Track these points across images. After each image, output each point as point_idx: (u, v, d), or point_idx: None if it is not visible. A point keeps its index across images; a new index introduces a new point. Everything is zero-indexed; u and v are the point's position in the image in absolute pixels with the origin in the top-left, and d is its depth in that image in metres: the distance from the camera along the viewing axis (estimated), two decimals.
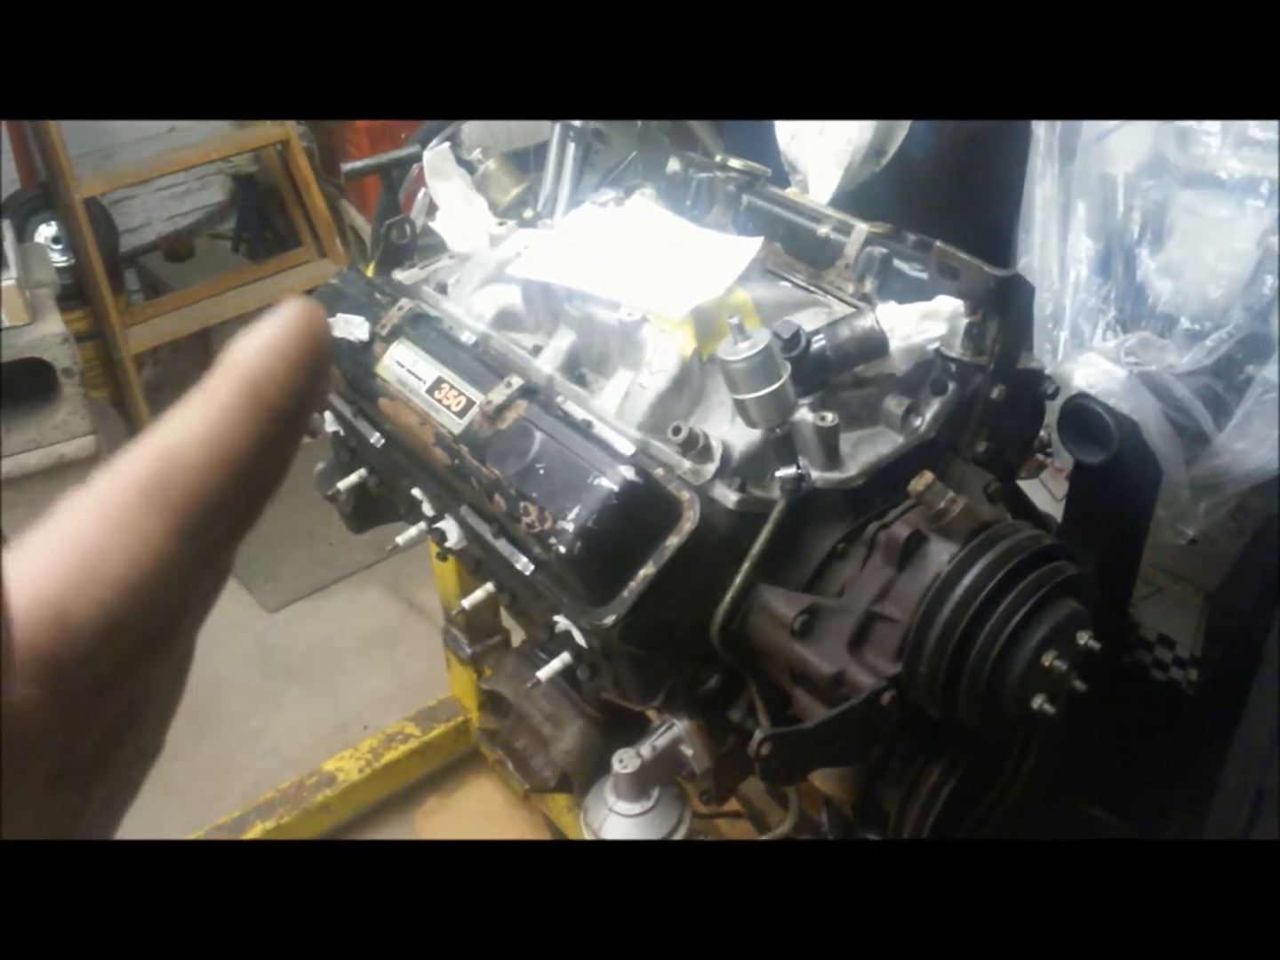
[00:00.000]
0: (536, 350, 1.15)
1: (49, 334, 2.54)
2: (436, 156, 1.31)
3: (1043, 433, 1.25)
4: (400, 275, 1.31)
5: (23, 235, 3.27)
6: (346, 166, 1.39)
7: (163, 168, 3.43)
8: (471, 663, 2.03)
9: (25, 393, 2.57)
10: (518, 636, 1.36)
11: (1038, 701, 0.93)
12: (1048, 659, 0.92)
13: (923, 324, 1.01)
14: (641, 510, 0.95)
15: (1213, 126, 1.13)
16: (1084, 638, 0.94)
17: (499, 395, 1.04)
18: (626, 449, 1.01)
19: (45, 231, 3.46)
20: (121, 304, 3.42)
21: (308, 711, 2.47)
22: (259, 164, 3.93)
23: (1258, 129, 1.08)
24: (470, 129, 3.34)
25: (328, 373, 0.28)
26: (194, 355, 3.83)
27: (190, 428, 0.26)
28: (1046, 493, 1.61)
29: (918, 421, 1.06)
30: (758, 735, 0.90)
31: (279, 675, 2.55)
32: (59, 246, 3.42)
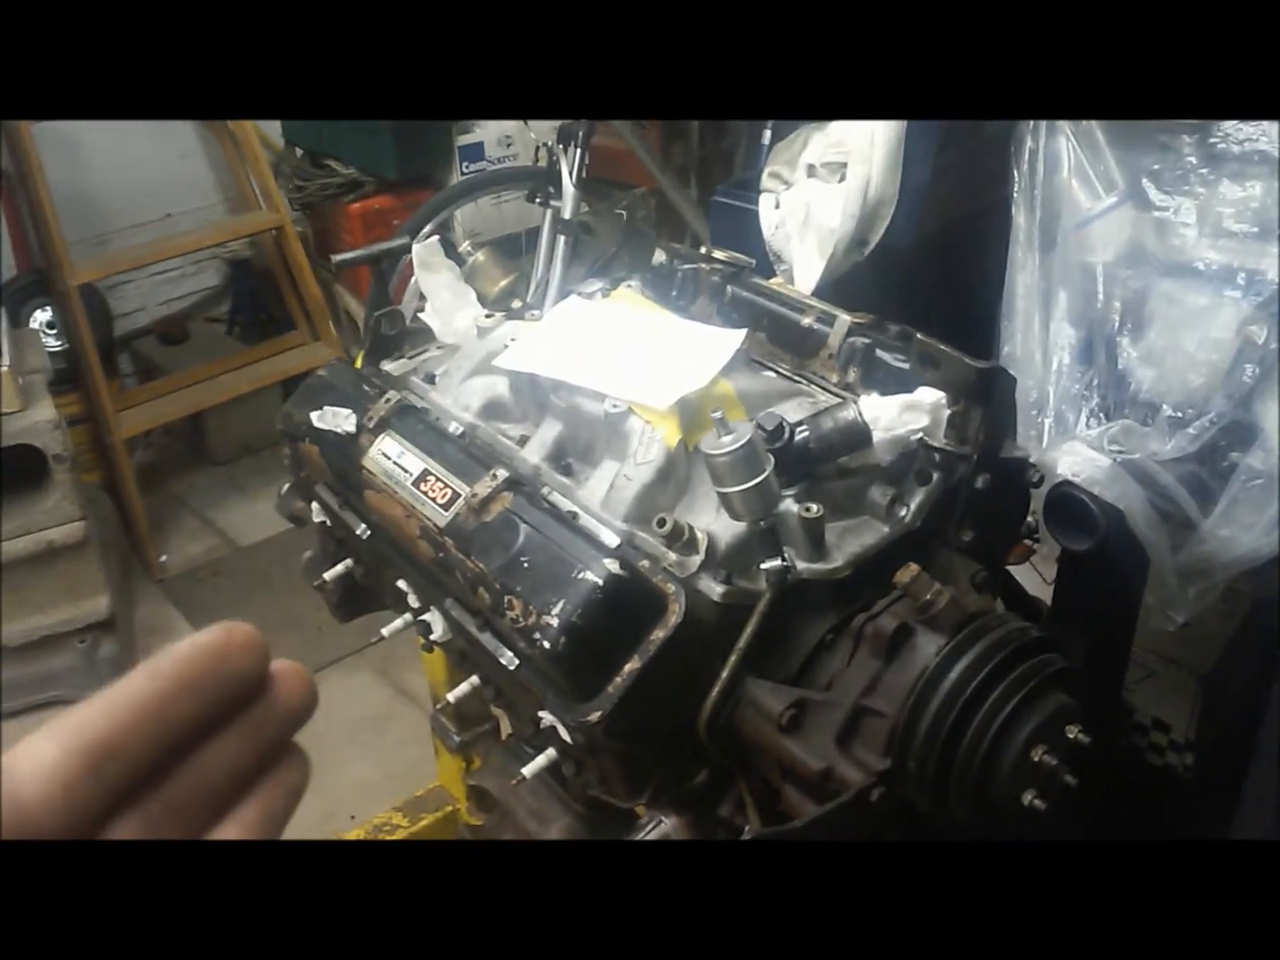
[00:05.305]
0: (523, 440, 1.16)
1: (41, 420, 2.55)
2: (425, 249, 1.33)
3: (1030, 518, 1.25)
4: (389, 366, 1.32)
5: (17, 320, 3.30)
6: (337, 258, 1.40)
7: (158, 254, 3.47)
8: (460, 751, 1.99)
9: (15, 478, 2.57)
10: (507, 724, 1.35)
11: (1028, 797, 0.92)
12: (1037, 754, 0.91)
13: (905, 415, 1.02)
14: (626, 604, 0.94)
15: (1189, 217, 1.15)
16: (1073, 731, 0.93)
17: (484, 487, 1.04)
18: (611, 541, 1.00)
19: (40, 317, 3.49)
20: (114, 388, 3.44)
21: None
22: (254, 248, 3.97)
23: (1233, 221, 1.10)
24: (463, 214, 3.39)
25: (236, 679, 0.39)
26: (186, 438, 3.84)
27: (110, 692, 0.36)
28: (1039, 577, 1.60)
29: (903, 511, 1.06)
30: (745, 836, 0.88)
31: None
32: (54, 331, 3.45)
